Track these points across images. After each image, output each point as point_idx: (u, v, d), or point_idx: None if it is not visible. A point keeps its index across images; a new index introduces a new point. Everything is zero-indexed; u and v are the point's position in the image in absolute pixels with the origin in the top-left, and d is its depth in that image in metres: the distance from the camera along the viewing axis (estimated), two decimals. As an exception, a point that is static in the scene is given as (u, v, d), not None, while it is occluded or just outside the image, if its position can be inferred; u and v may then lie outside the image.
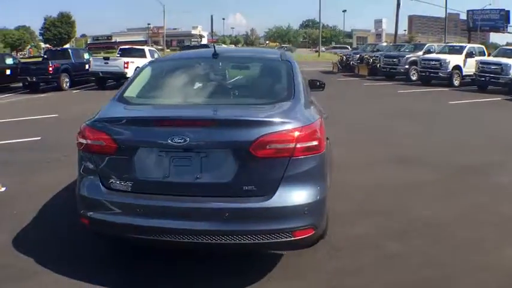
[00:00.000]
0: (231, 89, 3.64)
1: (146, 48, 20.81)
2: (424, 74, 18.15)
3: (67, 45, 58.79)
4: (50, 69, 16.70)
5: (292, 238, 2.72)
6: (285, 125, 2.72)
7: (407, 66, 19.52)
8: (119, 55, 20.23)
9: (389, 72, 20.44)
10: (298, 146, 2.69)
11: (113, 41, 71.82)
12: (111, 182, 2.90)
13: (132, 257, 3.39)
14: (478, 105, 12.67)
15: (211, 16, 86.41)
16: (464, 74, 17.48)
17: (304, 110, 3.05)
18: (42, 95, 15.92)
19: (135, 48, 21.10)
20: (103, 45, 70.01)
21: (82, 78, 18.55)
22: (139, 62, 17.79)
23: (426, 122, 9.43)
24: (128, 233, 2.91)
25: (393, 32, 41.11)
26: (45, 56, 19.99)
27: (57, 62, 17.27)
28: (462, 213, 4.21)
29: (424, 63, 18.16)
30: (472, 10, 51.82)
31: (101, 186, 2.94)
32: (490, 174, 5.47)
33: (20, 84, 17.33)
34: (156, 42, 69.91)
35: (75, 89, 17.57)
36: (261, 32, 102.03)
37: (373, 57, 22.43)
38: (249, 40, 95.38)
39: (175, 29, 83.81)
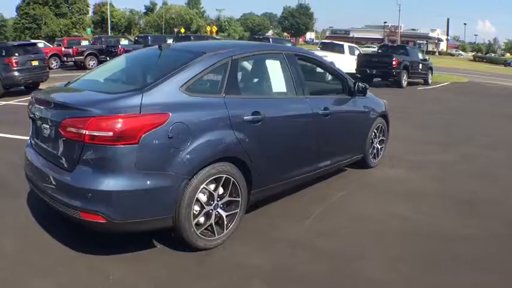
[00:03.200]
0: (126, 77, 3.56)
1: (346, 45, 20.38)
2: None
3: (309, 35, 61.78)
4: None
5: (81, 218, 2.73)
6: (82, 112, 2.72)
7: None
8: (319, 48, 20.54)
9: None
10: (89, 133, 2.63)
11: (350, 36, 72.46)
12: (31, 141, 3.49)
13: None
14: None
15: (448, 20, 76.70)
16: None
17: (132, 101, 2.73)
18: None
19: (334, 43, 21.00)
20: (340, 39, 71.36)
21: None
22: (333, 56, 17.59)
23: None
24: (30, 183, 3.34)
25: None
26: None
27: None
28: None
29: None
30: None
31: (30, 143, 3.52)
32: None
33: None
34: (393, 42, 67.05)
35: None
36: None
37: None
38: (490, 49, 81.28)
39: (413, 29, 78.03)
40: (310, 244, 3.26)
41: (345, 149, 4.61)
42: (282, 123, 3.57)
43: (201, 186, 2.94)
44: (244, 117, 3.20)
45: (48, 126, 3.04)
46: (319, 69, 4.50)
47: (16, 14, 54.20)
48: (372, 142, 5.16)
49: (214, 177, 3.01)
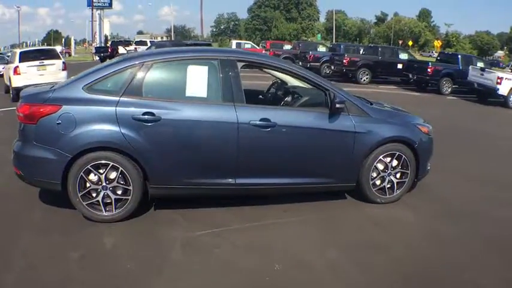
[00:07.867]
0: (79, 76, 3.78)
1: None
2: None
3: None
4: (429, 70, 15.67)
5: (14, 170, 3.44)
6: (21, 100, 3.41)
7: None
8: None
9: None
10: (18, 114, 3.34)
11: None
12: None
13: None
14: None
15: None
16: None
17: (44, 95, 3.30)
18: (420, 94, 14.80)
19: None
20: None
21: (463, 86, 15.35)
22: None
23: None
24: None
25: None
26: (439, 58, 18.28)
27: (442, 66, 15.83)
28: None
29: None
30: None
31: None
32: None
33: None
34: None
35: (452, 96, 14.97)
36: None
37: None
38: None
39: None
40: (168, 252, 3.00)
41: (311, 171, 3.71)
42: (187, 127, 3.33)
43: (86, 167, 3.24)
44: (133, 116, 3.24)
45: None
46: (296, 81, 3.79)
47: (248, 15, 57.99)
48: (379, 172, 3.91)
49: (99, 162, 3.25)
